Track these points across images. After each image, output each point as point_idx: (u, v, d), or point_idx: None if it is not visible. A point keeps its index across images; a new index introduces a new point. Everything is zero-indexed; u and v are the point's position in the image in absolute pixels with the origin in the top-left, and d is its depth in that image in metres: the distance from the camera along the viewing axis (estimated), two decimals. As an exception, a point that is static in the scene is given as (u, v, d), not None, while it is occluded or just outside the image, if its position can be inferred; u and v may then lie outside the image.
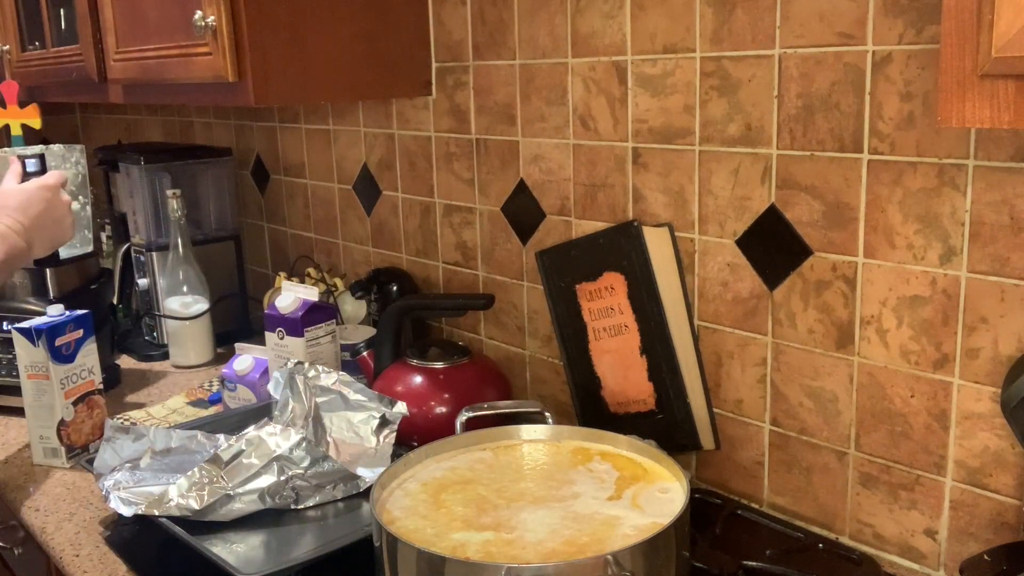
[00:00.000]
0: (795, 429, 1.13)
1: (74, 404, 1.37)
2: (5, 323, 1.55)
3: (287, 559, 1.02)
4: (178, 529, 1.06)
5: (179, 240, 1.79)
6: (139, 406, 1.62)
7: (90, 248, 1.73)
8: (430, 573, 0.83)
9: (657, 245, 1.22)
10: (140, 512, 1.08)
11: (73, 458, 1.38)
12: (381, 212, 1.76)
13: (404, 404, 1.25)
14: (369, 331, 1.63)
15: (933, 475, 1.01)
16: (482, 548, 0.87)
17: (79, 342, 1.38)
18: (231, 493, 1.10)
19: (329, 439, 1.22)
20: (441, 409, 1.29)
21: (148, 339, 1.95)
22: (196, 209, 1.95)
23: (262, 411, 1.37)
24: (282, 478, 1.12)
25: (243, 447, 1.12)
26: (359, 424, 1.24)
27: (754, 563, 1.04)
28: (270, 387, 1.31)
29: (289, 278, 1.75)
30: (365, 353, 1.49)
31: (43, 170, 1.46)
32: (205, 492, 1.09)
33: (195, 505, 1.08)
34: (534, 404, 1.17)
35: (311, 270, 1.79)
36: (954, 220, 0.94)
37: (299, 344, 1.45)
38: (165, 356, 1.88)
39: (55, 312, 1.38)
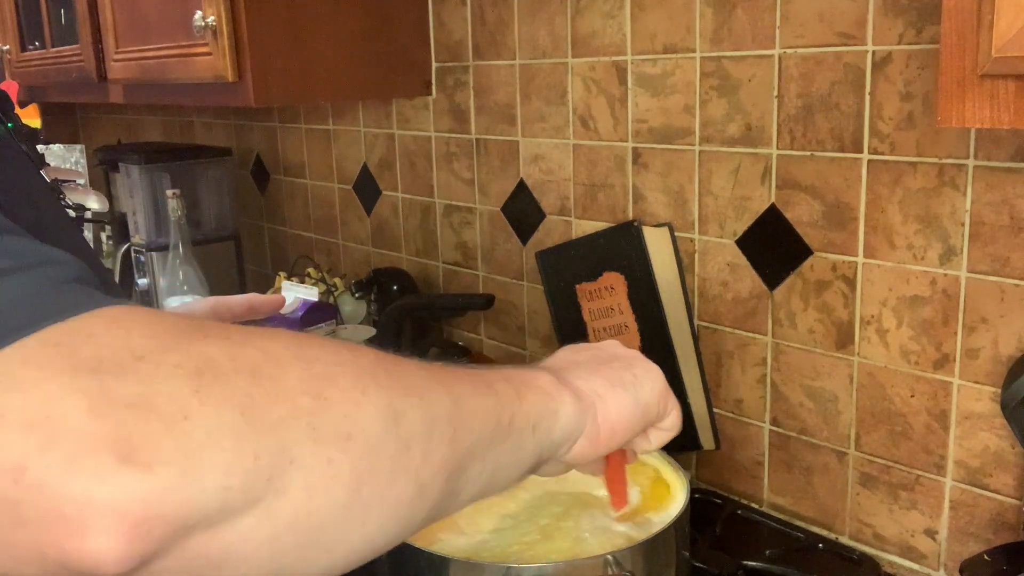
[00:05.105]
0: (795, 429, 1.13)
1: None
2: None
3: (287, 559, 1.02)
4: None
5: (179, 240, 1.79)
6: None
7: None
8: (430, 573, 0.83)
9: (657, 245, 1.22)
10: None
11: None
12: (381, 212, 1.76)
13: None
14: (369, 331, 1.63)
15: (933, 475, 1.01)
16: (483, 548, 0.87)
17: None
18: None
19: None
20: (441, 409, 1.29)
21: (148, 339, 1.95)
22: (196, 209, 1.95)
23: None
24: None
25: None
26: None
27: (754, 563, 1.04)
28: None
29: (289, 278, 1.75)
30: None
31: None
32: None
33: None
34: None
35: (311, 270, 1.79)
36: (954, 220, 0.94)
37: (299, 344, 1.45)
38: (165, 356, 1.87)
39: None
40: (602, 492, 0.87)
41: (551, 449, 0.57)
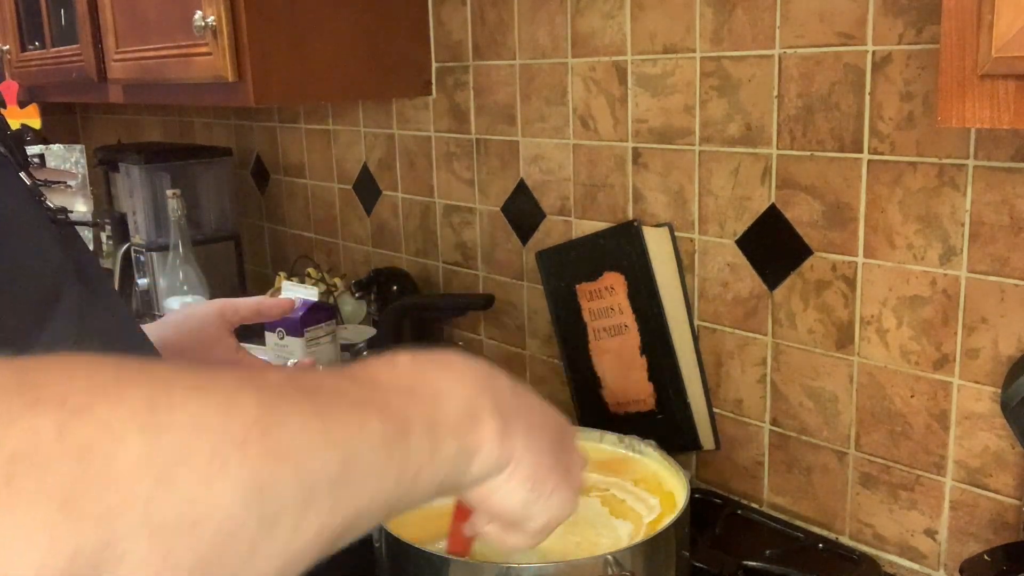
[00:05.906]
0: (795, 429, 1.13)
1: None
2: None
3: (287, 559, 1.02)
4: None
5: (179, 240, 1.79)
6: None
7: (90, 247, 1.73)
8: (430, 573, 0.83)
9: (657, 245, 1.22)
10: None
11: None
12: (381, 212, 1.76)
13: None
14: (369, 331, 1.63)
15: (933, 475, 1.01)
16: (482, 548, 0.86)
17: (79, 342, 1.37)
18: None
19: (329, 439, 1.22)
20: (441, 409, 1.29)
21: (148, 339, 1.95)
22: (196, 209, 1.95)
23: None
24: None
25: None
26: (359, 424, 1.23)
27: (754, 563, 1.04)
28: (270, 387, 1.30)
29: (289, 278, 1.75)
30: (365, 353, 1.49)
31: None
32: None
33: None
34: (534, 404, 1.17)
35: (311, 270, 1.79)
36: (954, 220, 0.94)
37: (299, 344, 1.45)
38: (165, 356, 1.87)
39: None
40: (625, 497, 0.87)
41: (452, 493, 0.54)
